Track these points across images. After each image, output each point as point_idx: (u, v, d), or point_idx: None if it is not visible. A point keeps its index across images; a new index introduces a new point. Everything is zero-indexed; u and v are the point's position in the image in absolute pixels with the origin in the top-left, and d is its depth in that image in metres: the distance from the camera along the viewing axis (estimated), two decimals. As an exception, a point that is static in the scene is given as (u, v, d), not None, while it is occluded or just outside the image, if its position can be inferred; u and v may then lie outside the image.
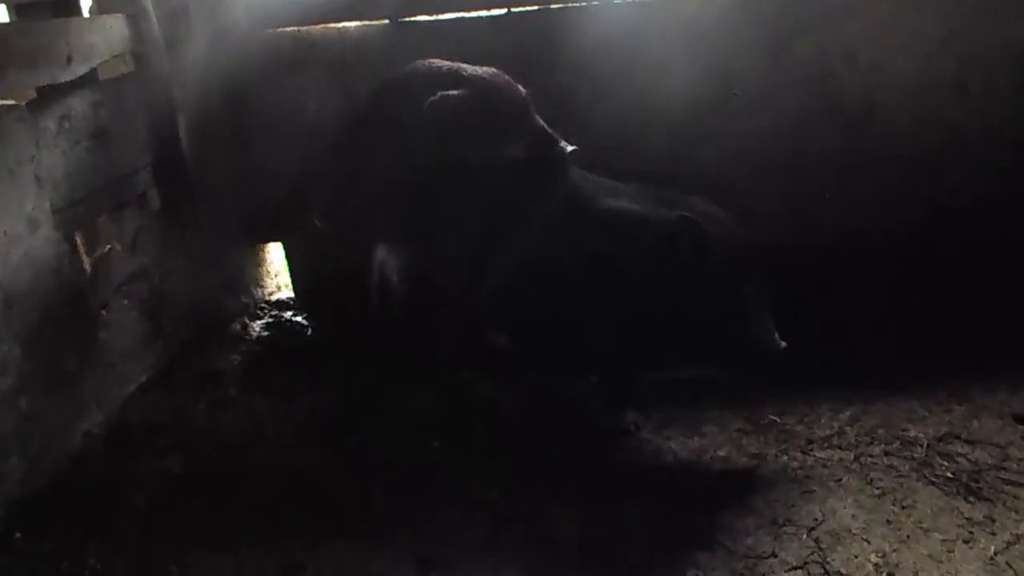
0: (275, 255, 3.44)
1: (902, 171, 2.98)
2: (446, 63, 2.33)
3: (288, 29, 3.01)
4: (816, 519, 2.16)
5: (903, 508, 2.17)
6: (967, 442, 2.28)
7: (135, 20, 2.66)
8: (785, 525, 2.15)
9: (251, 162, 3.09)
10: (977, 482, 2.21)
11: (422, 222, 2.35)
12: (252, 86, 2.99)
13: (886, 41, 2.88)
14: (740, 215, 2.29)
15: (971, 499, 2.17)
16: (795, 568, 2.05)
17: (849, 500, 2.20)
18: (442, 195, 2.24)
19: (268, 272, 3.41)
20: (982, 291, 2.85)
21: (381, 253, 2.59)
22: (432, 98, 2.15)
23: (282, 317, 3.13)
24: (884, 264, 2.93)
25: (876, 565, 2.04)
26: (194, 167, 2.91)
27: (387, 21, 2.94)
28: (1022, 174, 3.01)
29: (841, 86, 2.90)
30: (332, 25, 3.00)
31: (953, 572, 2.01)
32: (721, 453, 2.32)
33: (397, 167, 2.24)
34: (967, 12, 2.83)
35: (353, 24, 2.98)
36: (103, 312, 2.53)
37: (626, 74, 2.89)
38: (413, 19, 2.94)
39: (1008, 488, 2.20)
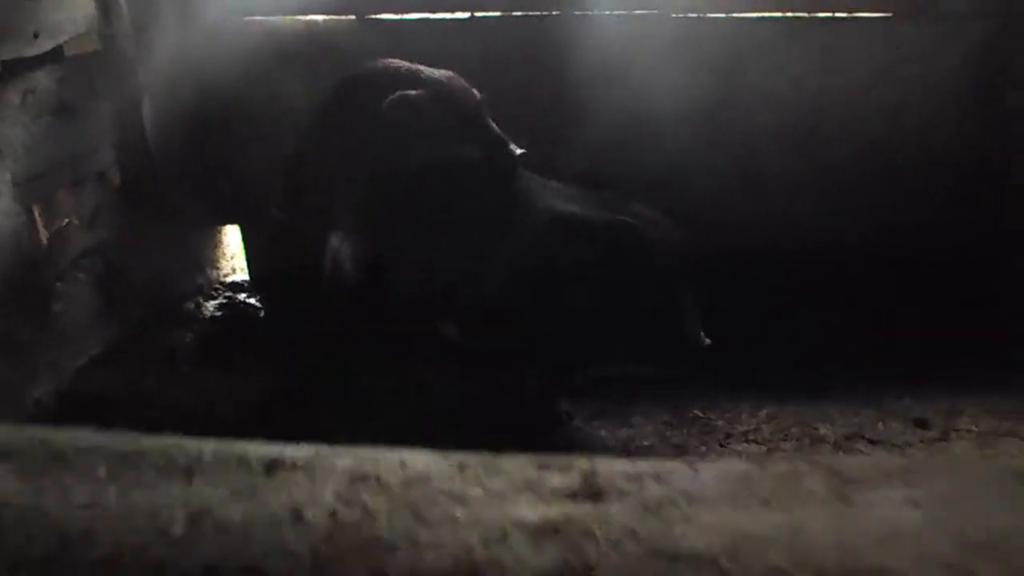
0: (232, 238, 3.61)
1: (843, 191, 3.25)
2: (405, 63, 2.53)
3: (256, 19, 3.19)
4: (729, 509, 2.40)
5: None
6: (870, 441, 2.54)
7: (103, 2, 2.82)
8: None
9: (213, 147, 3.26)
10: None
11: (375, 215, 2.54)
12: (218, 73, 3.16)
13: (831, 67, 3.15)
14: (682, 221, 2.52)
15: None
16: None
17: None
18: (395, 190, 2.44)
19: (224, 254, 3.57)
20: (910, 306, 3.12)
21: (335, 241, 2.78)
22: (391, 97, 2.35)
23: (236, 299, 3.29)
24: (825, 278, 3.19)
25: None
26: (156, 148, 3.08)
27: (354, 17, 3.14)
28: (955, 200, 3.29)
29: (788, 108, 3.17)
30: (300, 17, 3.19)
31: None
32: (646, 443, 2.55)
33: (354, 160, 2.43)
34: (907, 44, 3.11)
35: (321, 18, 3.17)
36: (58, 284, 2.68)
37: (586, 83, 3.12)
38: (380, 17, 3.14)
39: None
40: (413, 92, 2.31)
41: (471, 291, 2.55)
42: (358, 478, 0.34)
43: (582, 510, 0.32)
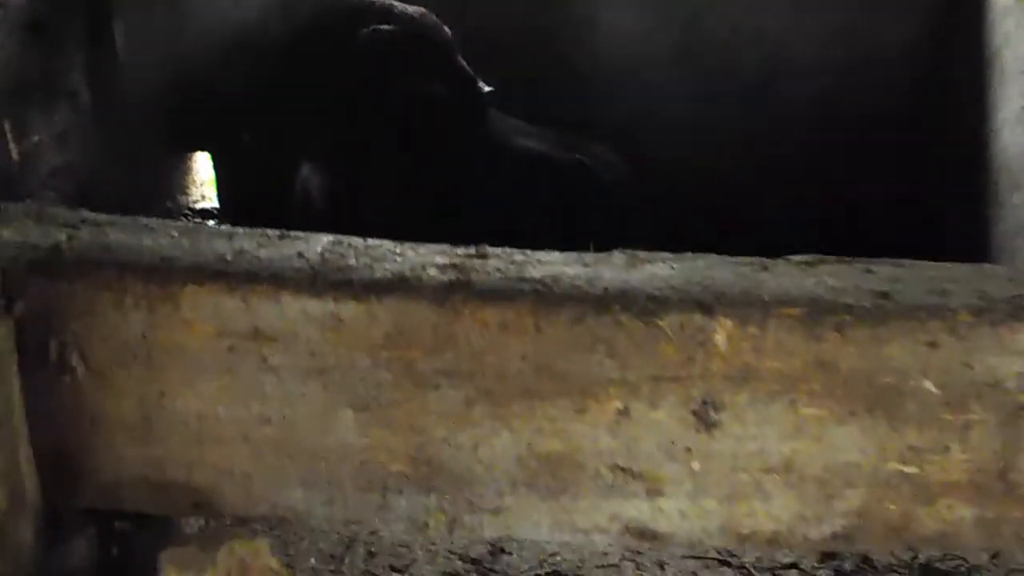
0: (202, 164, 3.74)
1: (794, 148, 3.48)
2: (380, -1, 2.68)
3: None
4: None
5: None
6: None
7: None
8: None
9: (187, 72, 3.38)
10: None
11: (347, 146, 2.70)
12: (196, 4, 3.27)
13: (791, 24, 3.36)
14: (636, 164, 2.73)
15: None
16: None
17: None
18: (367, 123, 2.60)
19: (194, 180, 3.71)
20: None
21: (305, 171, 2.95)
22: (365, 30, 2.50)
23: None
24: (770, 236, 3.44)
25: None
26: (128, 71, 3.19)
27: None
28: (906, 162, 3.54)
29: (744, 60, 3.37)
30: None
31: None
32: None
33: (327, 92, 2.58)
34: (864, 6, 3.32)
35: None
36: (28, 202, 2.83)
37: (554, 25, 3.30)
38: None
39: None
40: (387, 27, 2.47)
41: (441, 225, 2.74)
42: (337, 243, 0.54)
43: (472, 260, 0.52)
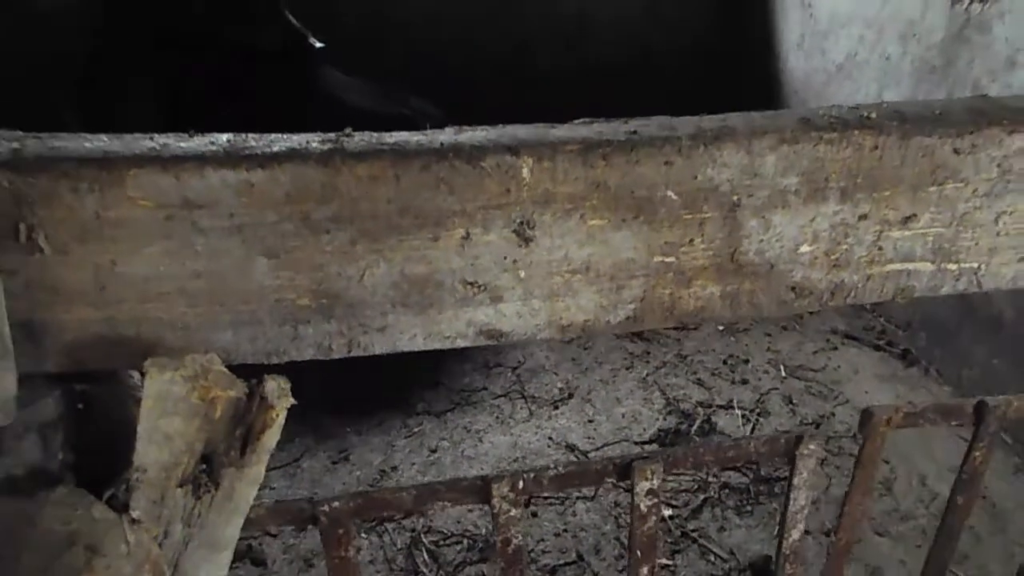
0: None
1: (610, 80, 3.83)
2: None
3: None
4: (519, 361, 2.96)
5: (584, 349, 3.03)
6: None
7: None
8: (495, 367, 2.92)
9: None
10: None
11: (179, 108, 2.78)
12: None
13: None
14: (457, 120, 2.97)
15: (635, 340, 3.07)
16: (500, 396, 2.82)
17: (544, 345, 3.02)
18: (199, 81, 2.69)
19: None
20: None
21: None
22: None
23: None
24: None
25: (560, 389, 2.87)
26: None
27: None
28: (704, 88, 3.97)
29: (561, 7, 3.67)
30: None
31: (616, 390, 2.89)
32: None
33: (154, 53, 2.64)
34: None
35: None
36: None
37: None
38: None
39: (663, 330, 3.13)
40: (218, -22, 2.56)
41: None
42: (235, 135, 0.74)
43: (342, 137, 0.75)
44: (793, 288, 0.85)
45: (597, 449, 2.70)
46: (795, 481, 0.87)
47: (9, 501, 0.64)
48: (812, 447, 0.85)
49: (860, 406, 2.82)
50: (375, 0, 3.55)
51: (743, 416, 2.89)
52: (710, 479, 2.60)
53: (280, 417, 0.71)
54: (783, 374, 3.11)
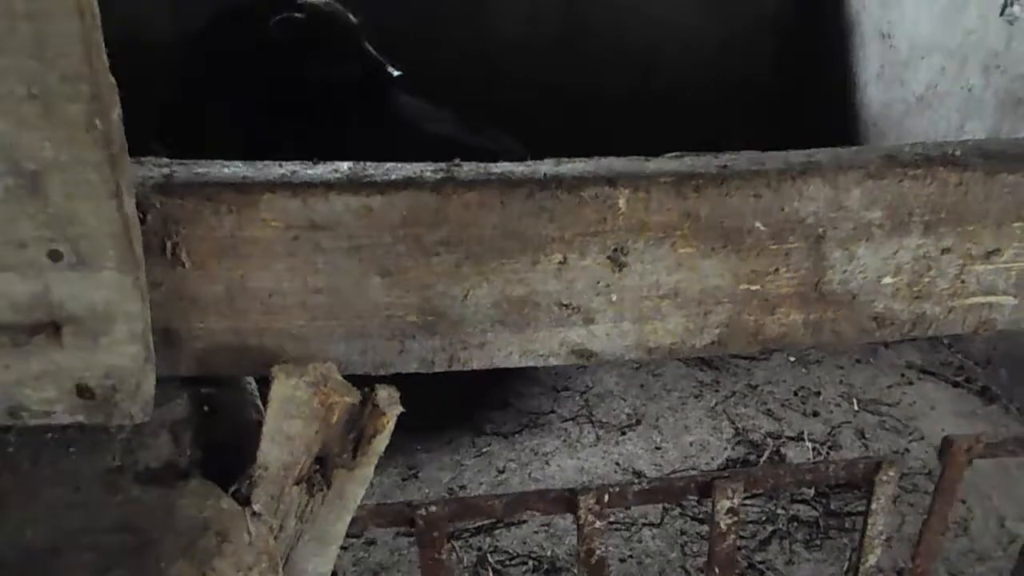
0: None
1: (680, 112, 3.87)
2: (282, -8, 2.90)
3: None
4: (588, 385, 3.00)
5: (653, 376, 3.05)
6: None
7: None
8: (563, 390, 2.96)
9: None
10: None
11: (266, 138, 2.92)
12: None
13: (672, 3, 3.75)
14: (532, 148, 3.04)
15: (704, 368, 3.08)
16: (568, 420, 2.86)
17: (613, 371, 3.05)
18: (284, 114, 2.82)
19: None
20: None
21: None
22: (277, 17, 2.72)
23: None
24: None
25: (628, 415, 2.89)
26: None
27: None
28: (781, 118, 3.99)
29: (629, 35, 3.74)
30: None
31: (685, 418, 2.90)
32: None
33: (239, 89, 2.79)
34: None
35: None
36: None
37: (440, 10, 3.58)
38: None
39: (733, 359, 3.13)
40: (296, 15, 2.70)
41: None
42: (355, 164, 0.81)
43: (452, 167, 0.81)
44: (875, 318, 0.88)
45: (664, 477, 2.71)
46: (873, 506, 0.89)
47: (151, 490, 0.72)
48: (891, 473, 0.88)
49: (936, 443, 2.78)
50: (451, 31, 3.66)
51: (814, 449, 2.87)
52: (779, 511, 2.59)
53: (390, 423, 0.77)
54: (856, 408, 3.08)
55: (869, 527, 0.91)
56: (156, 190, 0.73)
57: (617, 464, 2.79)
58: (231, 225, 0.75)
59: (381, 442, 0.78)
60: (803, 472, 0.90)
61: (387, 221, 0.76)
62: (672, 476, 1.05)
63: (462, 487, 2.69)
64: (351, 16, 2.87)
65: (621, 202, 0.78)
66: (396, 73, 2.89)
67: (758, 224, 0.81)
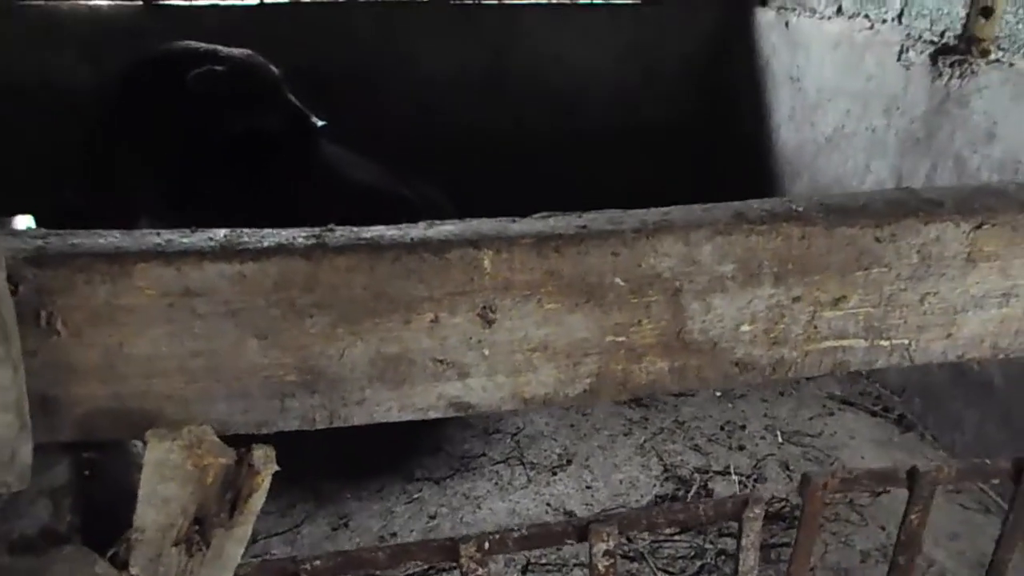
0: (24, 227, 3.79)
1: (601, 151, 3.98)
2: (203, 44, 2.93)
3: (36, 3, 3.42)
4: (519, 427, 3.03)
5: (583, 415, 3.11)
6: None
7: None
8: (494, 433, 2.99)
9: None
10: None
11: (185, 190, 2.92)
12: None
13: (588, 45, 3.87)
14: (460, 187, 3.10)
15: (633, 406, 3.14)
16: (499, 462, 2.89)
17: (544, 412, 3.09)
18: (204, 164, 2.83)
19: (16, 243, 3.75)
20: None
21: (144, 224, 3.12)
22: (196, 70, 2.74)
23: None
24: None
25: (559, 455, 2.93)
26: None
27: (141, 3, 3.45)
28: (699, 158, 4.12)
29: (552, 80, 3.85)
30: (83, 2, 3.46)
31: (614, 456, 2.95)
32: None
33: (158, 138, 2.79)
34: (648, 28, 3.88)
35: (105, 3, 3.46)
36: None
37: (375, 61, 3.64)
38: (167, 3, 3.48)
39: (661, 396, 3.20)
40: (216, 68, 2.72)
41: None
42: (231, 231, 0.85)
43: (325, 233, 0.85)
44: (736, 363, 0.94)
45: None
46: (743, 542, 0.94)
47: (23, 559, 0.73)
48: (757, 510, 0.93)
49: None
50: (384, 79, 3.72)
51: (740, 482, 2.94)
52: (707, 545, 2.65)
53: (265, 482, 0.80)
54: (780, 440, 3.17)
55: (741, 563, 0.96)
56: (29, 262, 0.76)
57: (548, 505, 2.82)
58: (106, 294, 0.78)
59: (257, 501, 0.81)
60: (676, 512, 0.95)
61: (261, 286, 0.80)
62: (550, 522, 1.08)
63: (393, 534, 2.69)
64: (272, 67, 2.90)
65: (486, 263, 0.82)
66: (320, 123, 2.94)
67: (618, 280, 0.86)
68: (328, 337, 0.83)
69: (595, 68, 3.92)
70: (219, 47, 2.93)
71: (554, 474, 2.91)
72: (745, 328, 0.92)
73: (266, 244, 0.80)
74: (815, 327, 0.94)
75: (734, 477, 2.95)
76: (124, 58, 3.09)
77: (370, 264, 0.80)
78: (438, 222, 0.87)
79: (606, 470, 2.94)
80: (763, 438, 3.16)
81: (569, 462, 2.91)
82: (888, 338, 0.97)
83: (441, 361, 0.87)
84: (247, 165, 2.82)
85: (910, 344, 0.97)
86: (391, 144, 3.42)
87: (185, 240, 0.80)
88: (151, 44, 3.07)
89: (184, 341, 0.81)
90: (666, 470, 2.95)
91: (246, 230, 0.83)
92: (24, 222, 3.75)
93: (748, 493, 0.92)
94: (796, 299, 0.92)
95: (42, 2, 3.46)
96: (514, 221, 0.87)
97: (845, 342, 0.96)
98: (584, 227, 0.86)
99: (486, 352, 0.87)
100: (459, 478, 2.88)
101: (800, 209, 0.90)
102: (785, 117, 3.70)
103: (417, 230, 0.85)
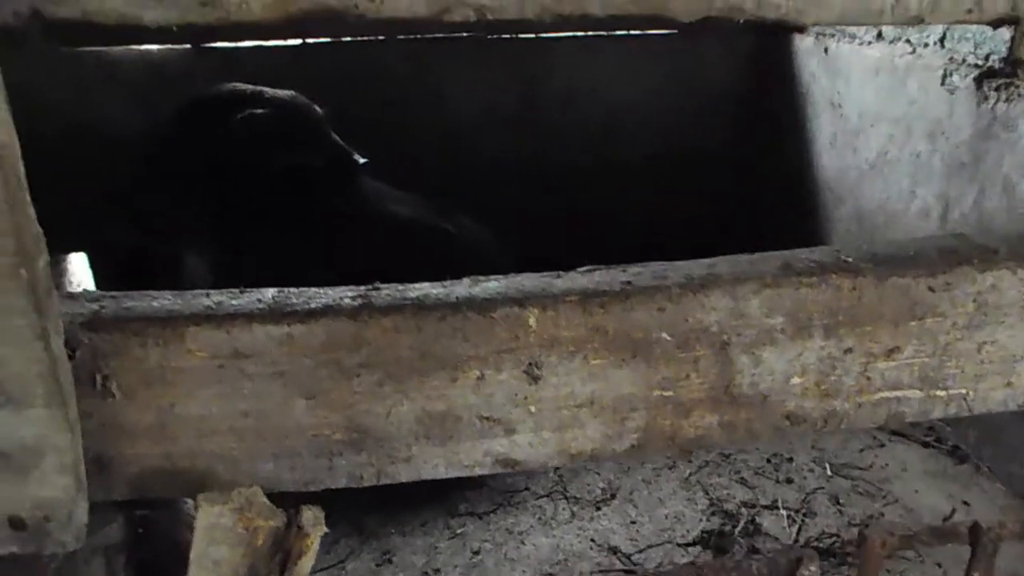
0: (78, 265, 3.89)
1: (639, 182, 3.97)
2: (249, 86, 2.99)
3: (90, 49, 3.53)
4: (561, 460, 3.01)
5: (627, 447, 3.07)
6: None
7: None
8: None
9: (52, 174, 3.56)
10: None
11: (230, 229, 2.97)
12: (54, 101, 3.48)
13: (622, 75, 3.88)
14: (497, 228, 3.11)
15: (677, 437, 3.10)
16: (543, 497, 2.87)
17: (587, 444, 3.06)
18: (249, 203, 2.88)
19: (71, 282, 3.85)
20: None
21: (191, 260, 3.18)
22: (240, 114, 2.79)
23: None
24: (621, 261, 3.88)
25: (603, 489, 2.90)
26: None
27: (188, 46, 3.54)
28: (739, 183, 4.08)
29: (586, 112, 3.86)
30: (134, 47, 3.55)
31: (659, 490, 2.91)
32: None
33: (205, 178, 2.84)
34: (684, 57, 3.87)
35: (155, 48, 3.56)
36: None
37: (403, 98, 3.69)
38: (215, 46, 3.56)
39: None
40: (260, 111, 2.77)
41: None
42: (280, 292, 0.85)
43: (371, 291, 0.86)
44: (787, 416, 0.92)
45: (640, 551, 2.71)
46: (799, 600, 0.92)
47: (78, 620, 0.74)
48: (812, 568, 0.91)
49: (911, 505, 2.80)
50: (414, 117, 3.75)
51: (788, 516, 2.87)
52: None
53: (314, 544, 0.80)
54: (829, 473, 3.09)
55: (796, 619, 0.93)
56: (85, 326, 0.77)
57: (592, 541, 2.78)
58: (158, 356, 0.79)
59: (307, 563, 0.81)
60: (727, 570, 0.93)
61: (308, 347, 0.80)
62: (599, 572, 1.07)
63: (436, 570, 2.67)
64: (316, 107, 2.95)
65: (531, 321, 0.82)
66: (361, 160, 2.97)
67: (664, 335, 0.85)
68: (375, 396, 0.83)
69: (630, 99, 3.91)
70: (264, 88, 2.99)
71: (598, 508, 2.87)
72: (796, 381, 0.91)
73: (313, 305, 0.81)
74: (868, 378, 0.92)
75: (782, 511, 2.88)
76: (173, 101, 3.16)
77: (416, 324, 0.81)
78: (482, 279, 0.87)
79: (651, 504, 2.89)
80: (811, 471, 3.09)
81: (613, 496, 2.87)
82: (945, 388, 0.94)
83: (487, 418, 0.86)
84: (291, 202, 2.86)
85: (968, 394, 0.95)
86: (427, 178, 3.44)
87: (235, 302, 0.81)
88: (199, 87, 3.13)
89: (234, 402, 0.81)
90: (712, 504, 2.89)
91: (293, 290, 0.84)
92: (77, 259, 3.85)
93: (802, 549, 0.90)
94: (848, 350, 0.90)
95: (95, 48, 3.57)
96: (558, 276, 0.87)
97: (900, 393, 0.93)
98: (629, 283, 0.85)
99: (532, 408, 0.87)
100: (502, 513, 2.86)
101: (849, 259, 0.88)
102: (826, 143, 3.65)
103: (462, 288, 0.85)
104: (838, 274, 0.87)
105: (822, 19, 0.77)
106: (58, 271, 3.82)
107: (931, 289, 0.88)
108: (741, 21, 0.77)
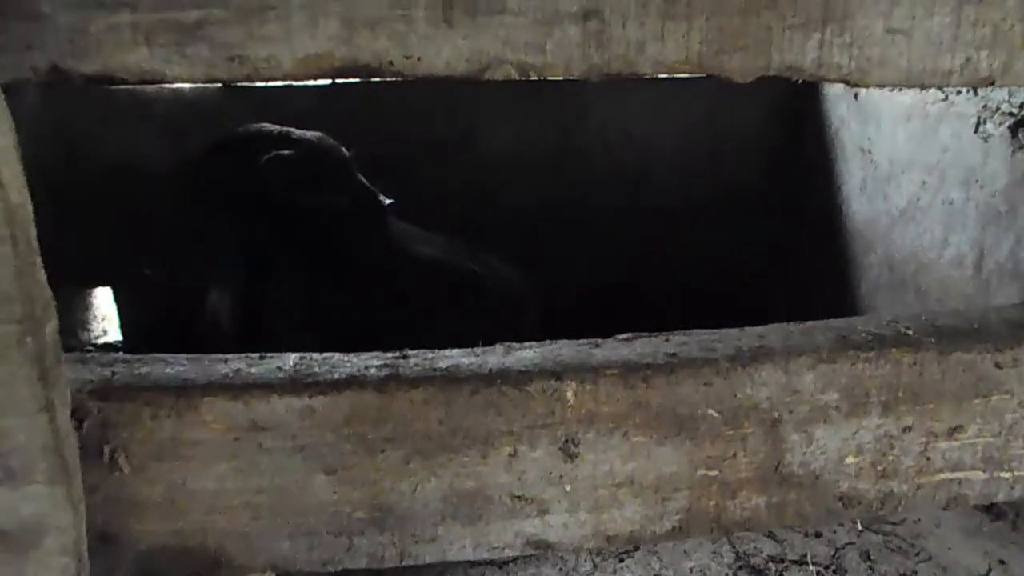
0: (103, 299, 3.88)
1: (669, 225, 3.90)
2: (276, 126, 2.97)
3: (124, 87, 3.54)
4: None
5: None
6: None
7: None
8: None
9: (81, 208, 3.57)
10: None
11: (257, 268, 2.93)
12: (86, 137, 3.49)
13: (655, 118, 3.83)
14: (527, 271, 3.06)
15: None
16: (564, 547, 2.77)
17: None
18: (275, 242, 2.85)
19: (95, 316, 3.84)
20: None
21: (214, 297, 3.15)
22: (267, 156, 2.77)
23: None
24: (653, 305, 3.81)
25: (626, 540, 2.80)
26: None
27: (220, 85, 3.55)
28: (767, 229, 4.01)
29: (618, 156, 3.81)
30: (167, 86, 3.57)
31: (684, 543, 2.81)
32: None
33: (232, 217, 2.82)
34: (714, 101, 3.83)
35: (188, 86, 3.57)
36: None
37: (440, 139, 3.66)
38: (245, 85, 3.56)
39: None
40: (287, 152, 2.75)
41: (351, 330, 2.97)
42: (302, 358, 0.80)
43: (398, 360, 0.80)
44: (841, 498, 0.85)
45: (664, 606, 2.60)
46: None
47: None
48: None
49: (944, 563, 2.68)
50: (442, 158, 3.73)
51: (818, 573, 2.76)
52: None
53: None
54: (860, 527, 2.98)
55: None
56: (95, 395, 0.72)
57: (615, 593, 2.68)
58: (171, 428, 0.73)
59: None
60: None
61: (331, 420, 0.74)
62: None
63: (456, 620, 2.58)
64: (342, 149, 2.92)
65: (569, 395, 0.76)
66: (388, 201, 2.93)
67: (711, 411, 0.79)
68: (400, 472, 0.77)
69: (662, 143, 3.87)
70: (292, 129, 2.97)
71: (620, 560, 2.77)
72: (850, 460, 0.83)
73: (337, 375, 0.75)
74: (928, 459, 0.85)
75: (811, 568, 2.77)
76: (204, 139, 3.15)
77: (446, 397, 0.75)
78: (516, 346, 0.81)
79: (675, 557, 2.79)
80: (841, 525, 2.97)
81: (636, 548, 2.77)
82: (1010, 469, 0.87)
83: (519, 497, 0.80)
84: (317, 242, 2.82)
85: (1035, 476, 0.87)
86: (457, 220, 3.40)
87: (253, 370, 0.76)
88: (229, 125, 3.12)
89: (249, 477, 0.75)
90: (739, 558, 2.78)
91: (316, 357, 0.78)
92: (103, 293, 3.84)
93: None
94: (907, 429, 0.83)
95: (129, 87, 3.58)
96: (596, 346, 0.81)
97: (962, 474, 0.86)
98: (674, 355, 0.78)
99: (567, 488, 0.80)
100: (523, 562, 2.77)
101: (910, 332, 0.81)
102: (856, 189, 3.58)
103: (495, 357, 0.79)
104: (898, 348, 0.80)
105: (887, 81, 0.71)
106: (84, 304, 3.81)
107: (998, 366, 0.81)
108: (800, 81, 0.71)
